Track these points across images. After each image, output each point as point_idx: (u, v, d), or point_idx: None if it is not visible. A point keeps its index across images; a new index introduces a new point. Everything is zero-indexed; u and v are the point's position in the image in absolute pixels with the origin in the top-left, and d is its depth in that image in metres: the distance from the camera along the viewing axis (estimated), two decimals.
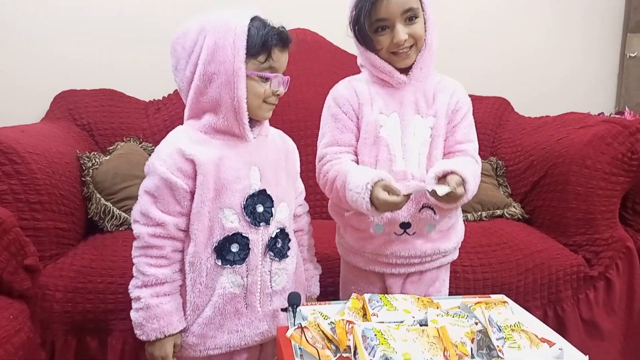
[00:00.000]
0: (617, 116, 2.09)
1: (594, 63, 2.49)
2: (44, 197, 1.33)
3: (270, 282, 1.04)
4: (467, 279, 1.46)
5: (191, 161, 0.97)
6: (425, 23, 1.13)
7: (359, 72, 1.23)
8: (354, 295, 1.01)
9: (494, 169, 1.92)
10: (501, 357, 0.83)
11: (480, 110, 1.99)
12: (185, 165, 0.97)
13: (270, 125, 1.11)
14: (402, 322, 0.92)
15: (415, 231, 1.14)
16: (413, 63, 1.15)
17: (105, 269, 1.34)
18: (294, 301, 0.95)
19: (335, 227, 1.28)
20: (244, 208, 1.00)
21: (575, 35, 2.44)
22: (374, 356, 0.79)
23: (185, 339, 1.01)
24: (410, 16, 1.10)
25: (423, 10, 1.12)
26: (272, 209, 1.03)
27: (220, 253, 0.99)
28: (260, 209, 1.02)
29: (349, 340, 0.84)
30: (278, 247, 1.04)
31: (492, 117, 2.07)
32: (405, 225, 1.13)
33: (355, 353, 0.81)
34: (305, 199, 1.22)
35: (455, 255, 1.24)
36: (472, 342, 0.87)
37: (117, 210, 1.59)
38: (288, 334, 0.84)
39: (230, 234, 0.99)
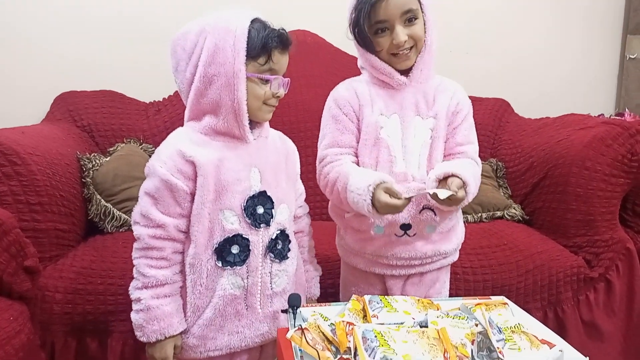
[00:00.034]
0: (617, 118, 2.09)
1: (594, 64, 2.49)
2: (44, 198, 1.34)
3: (271, 283, 1.04)
4: (467, 280, 1.46)
5: (191, 163, 0.97)
6: (424, 24, 1.13)
7: (359, 73, 1.23)
8: (354, 296, 1.01)
9: (494, 170, 1.92)
10: (501, 359, 0.83)
11: (480, 112, 1.99)
12: (186, 167, 0.97)
13: (271, 126, 1.11)
14: (402, 323, 0.92)
15: (415, 232, 1.14)
16: (413, 64, 1.15)
17: (105, 270, 1.34)
18: (294, 302, 0.95)
19: (335, 228, 1.28)
20: (244, 209, 1.00)
21: (575, 36, 2.44)
22: (374, 358, 0.78)
23: (186, 341, 1.01)
24: (409, 17, 1.10)
25: (422, 12, 1.12)
26: (273, 210, 1.03)
27: (220, 254, 0.99)
28: (260, 210, 1.02)
29: (349, 341, 0.84)
30: (278, 248, 1.04)
31: (492, 118, 2.07)
32: (405, 227, 1.13)
33: (355, 354, 0.81)
34: (306, 200, 1.22)
35: (455, 257, 1.24)
36: (473, 344, 0.87)
37: (117, 212, 1.59)
38: (288, 335, 0.84)
39: (230, 236, 0.99)
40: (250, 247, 1.01)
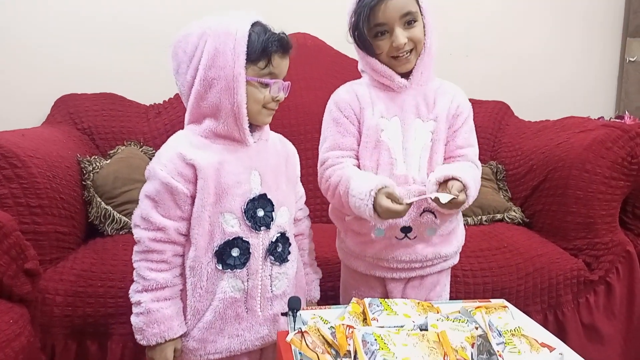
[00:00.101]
0: (616, 120, 2.09)
1: (593, 67, 2.50)
2: (45, 201, 1.34)
3: (271, 286, 1.04)
4: (467, 283, 1.46)
5: (192, 166, 0.97)
6: (424, 27, 1.13)
7: (359, 76, 1.24)
8: (354, 299, 1.01)
9: (494, 173, 1.92)
10: None
11: (480, 115, 1.99)
12: (186, 170, 0.97)
13: (271, 129, 1.11)
14: (402, 326, 0.92)
15: (416, 235, 1.14)
16: (413, 67, 1.15)
17: (105, 273, 1.34)
18: (294, 305, 0.94)
19: (335, 231, 1.28)
20: (245, 212, 1.00)
21: (575, 39, 2.45)
22: None
23: (186, 344, 1.01)
24: (409, 20, 1.11)
25: (422, 15, 1.12)
26: (273, 213, 1.03)
27: (220, 257, 0.99)
28: (260, 213, 1.02)
29: (349, 344, 0.84)
30: (278, 251, 1.04)
31: (492, 121, 2.08)
32: (406, 230, 1.13)
33: (355, 358, 0.81)
34: (306, 203, 1.22)
35: (455, 260, 1.24)
36: (473, 347, 0.87)
37: (118, 214, 1.59)
38: (288, 338, 0.84)
39: (230, 239, 0.99)
40: (251, 250, 1.01)
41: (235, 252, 1.00)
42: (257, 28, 0.97)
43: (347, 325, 0.88)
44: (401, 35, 1.10)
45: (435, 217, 1.13)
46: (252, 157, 1.03)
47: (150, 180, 0.99)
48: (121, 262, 1.36)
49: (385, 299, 1.01)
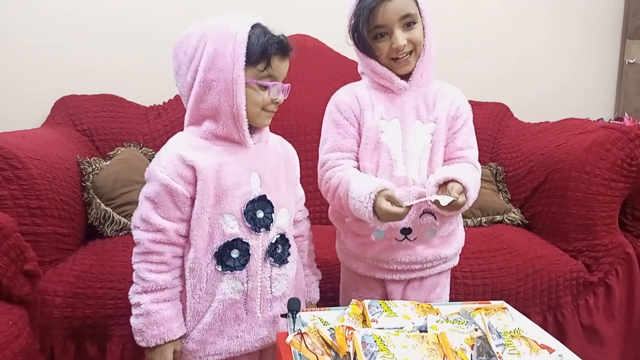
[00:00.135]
0: (616, 122, 2.10)
1: (593, 69, 2.50)
2: (44, 202, 1.34)
3: (271, 287, 1.04)
4: (466, 285, 1.46)
5: (191, 167, 0.97)
6: (423, 29, 1.13)
7: (359, 77, 1.24)
8: (353, 301, 1.01)
9: (494, 174, 1.92)
10: None
11: (480, 116, 1.99)
12: (186, 172, 0.97)
13: (270, 130, 1.11)
14: (401, 328, 0.92)
15: (416, 237, 1.14)
16: (413, 69, 1.15)
17: (104, 274, 1.34)
18: (293, 307, 0.94)
19: (335, 232, 1.28)
20: (244, 214, 1.00)
21: (574, 41, 2.45)
22: None
23: (185, 345, 1.01)
24: (408, 22, 1.11)
25: (421, 17, 1.13)
26: (272, 214, 1.04)
27: (220, 259, 0.99)
28: (260, 214, 1.02)
29: (349, 346, 0.84)
30: (278, 252, 1.04)
31: (492, 122, 2.08)
32: (406, 231, 1.13)
33: (354, 359, 0.81)
34: (305, 204, 1.22)
35: (455, 261, 1.24)
36: (472, 349, 0.87)
37: (117, 216, 1.59)
38: (288, 340, 0.84)
39: (230, 240, 0.99)
40: (250, 252, 1.01)
41: (234, 254, 1.00)
42: (257, 30, 0.98)
43: (347, 327, 0.88)
44: (400, 37, 1.10)
45: (435, 218, 1.13)
46: (252, 159, 1.03)
47: (150, 182, 0.99)
48: (121, 264, 1.36)
49: (385, 301, 1.01)
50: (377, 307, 0.98)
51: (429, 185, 1.10)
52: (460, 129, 1.18)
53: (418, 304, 1.01)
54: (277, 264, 1.04)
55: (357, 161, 1.17)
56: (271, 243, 1.03)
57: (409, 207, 1.04)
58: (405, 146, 1.14)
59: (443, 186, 1.07)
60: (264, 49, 0.97)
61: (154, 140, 1.88)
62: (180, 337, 1.00)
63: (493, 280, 1.48)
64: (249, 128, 1.01)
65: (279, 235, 1.05)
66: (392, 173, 1.13)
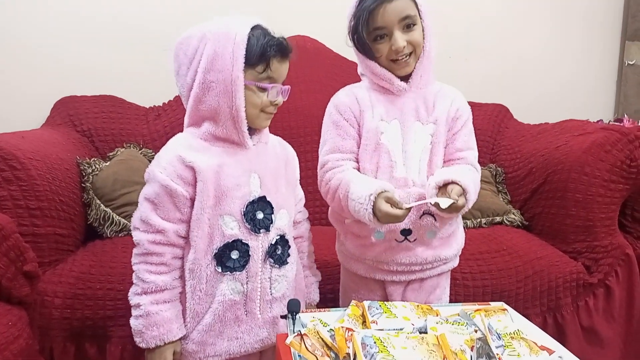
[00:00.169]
0: (615, 123, 2.10)
1: (592, 70, 2.50)
2: (44, 203, 1.34)
3: (270, 289, 1.04)
4: (466, 286, 1.46)
5: (191, 168, 0.97)
6: (423, 30, 1.13)
7: (359, 78, 1.24)
8: (353, 302, 1.01)
9: (493, 175, 1.92)
10: None
11: (480, 117, 2.00)
12: (186, 173, 0.97)
13: (270, 132, 1.11)
14: (401, 329, 0.92)
15: (416, 238, 1.14)
16: (413, 70, 1.15)
17: (104, 275, 1.34)
18: (293, 308, 0.94)
19: (335, 234, 1.28)
20: (244, 215, 1.00)
21: (574, 42, 2.45)
22: None
23: (185, 346, 1.01)
24: (408, 24, 1.11)
25: (421, 18, 1.13)
26: (272, 215, 1.04)
27: (220, 260, 0.99)
28: (260, 215, 1.02)
29: (349, 347, 0.84)
30: (278, 253, 1.04)
31: (492, 124, 2.08)
32: (406, 232, 1.13)
33: None
34: (305, 205, 1.22)
35: (455, 263, 1.24)
36: (472, 350, 0.87)
37: (117, 217, 1.59)
38: (287, 341, 0.84)
39: (230, 241, 0.99)
40: (250, 253, 1.01)
41: (234, 255, 1.00)
42: (257, 32, 0.98)
43: (347, 328, 0.88)
44: (400, 39, 1.10)
45: (435, 220, 1.13)
46: (252, 160, 1.03)
47: (150, 183, 0.99)
48: (120, 265, 1.36)
49: (385, 302, 1.01)
50: (377, 309, 0.98)
51: (428, 188, 1.10)
52: (460, 130, 1.18)
53: (418, 305, 1.01)
54: (276, 265, 1.04)
55: (357, 162, 1.17)
56: (271, 244, 1.03)
57: (409, 209, 1.04)
58: (405, 147, 1.14)
59: (443, 188, 1.07)
60: (263, 51, 0.97)
61: (153, 141, 1.88)
62: (180, 338, 1.00)
63: (493, 282, 1.48)
64: (248, 129, 1.01)
65: (278, 237, 1.05)
66: (392, 174, 1.13)
